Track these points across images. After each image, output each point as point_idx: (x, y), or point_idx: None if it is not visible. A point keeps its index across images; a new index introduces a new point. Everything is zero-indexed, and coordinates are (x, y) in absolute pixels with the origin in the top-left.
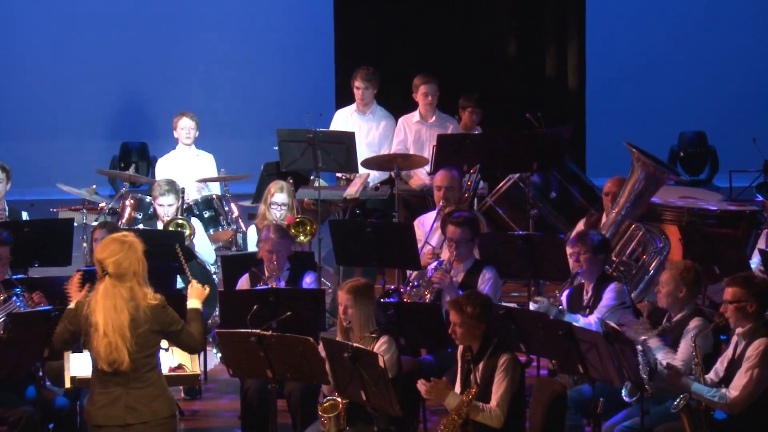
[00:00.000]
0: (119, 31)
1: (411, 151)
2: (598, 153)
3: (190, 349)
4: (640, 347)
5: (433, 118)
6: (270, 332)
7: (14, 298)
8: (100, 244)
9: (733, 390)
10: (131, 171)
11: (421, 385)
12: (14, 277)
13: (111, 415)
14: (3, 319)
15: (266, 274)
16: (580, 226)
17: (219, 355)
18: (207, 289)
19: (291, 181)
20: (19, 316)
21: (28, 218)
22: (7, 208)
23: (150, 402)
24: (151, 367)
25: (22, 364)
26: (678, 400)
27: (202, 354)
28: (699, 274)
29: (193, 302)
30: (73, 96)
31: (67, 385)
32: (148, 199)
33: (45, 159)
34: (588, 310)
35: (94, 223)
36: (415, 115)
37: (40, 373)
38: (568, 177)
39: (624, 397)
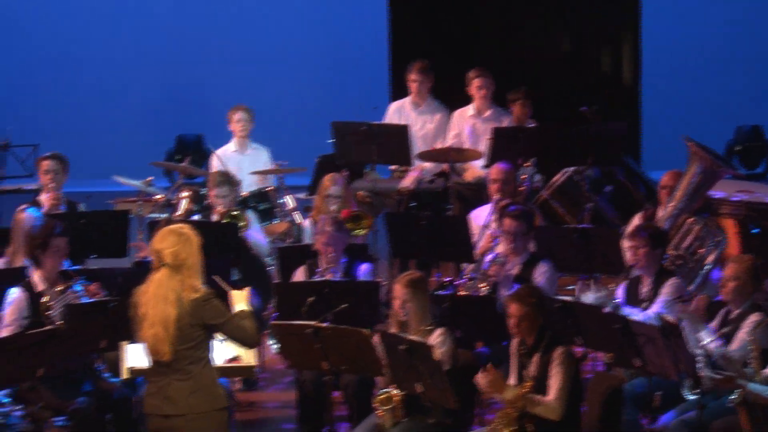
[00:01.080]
0: (175, 23)
1: (466, 145)
2: (655, 147)
3: (241, 343)
4: (695, 339)
5: (488, 111)
6: (325, 324)
7: (72, 288)
8: (158, 234)
9: None
10: (187, 163)
11: (479, 377)
12: (72, 268)
13: (153, 404)
14: (61, 310)
15: (322, 266)
16: (636, 220)
17: (275, 346)
18: (246, 289)
19: (346, 173)
20: (77, 307)
21: (84, 210)
22: (64, 200)
23: (187, 395)
24: (194, 360)
25: (80, 354)
26: (735, 395)
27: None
28: (758, 269)
29: (239, 306)
30: (130, 88)
31: (124, 375)
32: (204, 191)
33: (102, 151)
34: (645, 304)
35: (150, 215)
36: (469, 109)
37: (98, 365)
38: (623, 171)
39: (684, 395)
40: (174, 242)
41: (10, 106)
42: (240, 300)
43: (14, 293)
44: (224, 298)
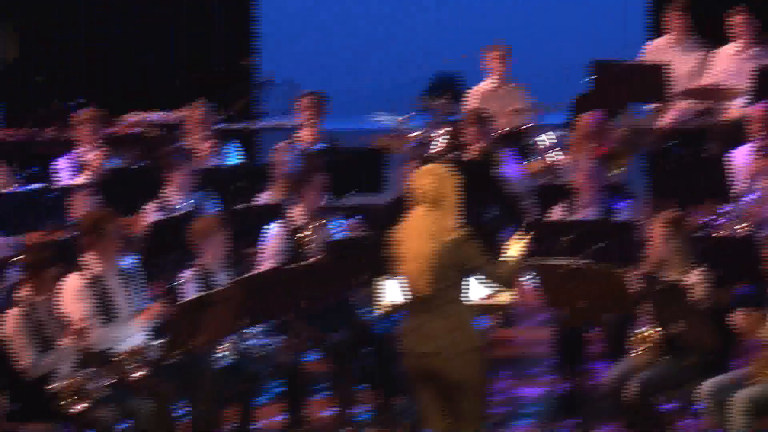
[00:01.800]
0: None
1: (726, 84)
2: None
3: (495, 284)
4: None
5: (751, 49)
6: (582, 263)
7: (331, 224)
8: (417, 172)
9: None
10: (444, 101)
11: (737, 318)
12: (332, 204)
13: (410, 341)
14: (320, 245)
15: (579, 204)
16: None
17: (532, 283)
18: (526, 237)
19: (603, 111)
20: (335, 242)
21: (343, 147)
22: (323, 137)
23: (446, 333)
24: (451, 299)
25: (338, 289)
26: None
27: None
28: None
29: (512, 251)
30: (388, 25)
31: (381, 310)
32: (460, 129)
33: (360, 88)
34: None
35: (408, 153)
36: (731, 47)
37: (356, 300)
38: None
39: None
40: (432, 180)
41: (270, 44)
42: (515, 246)
43: (274, 228)
44: (486, 239)
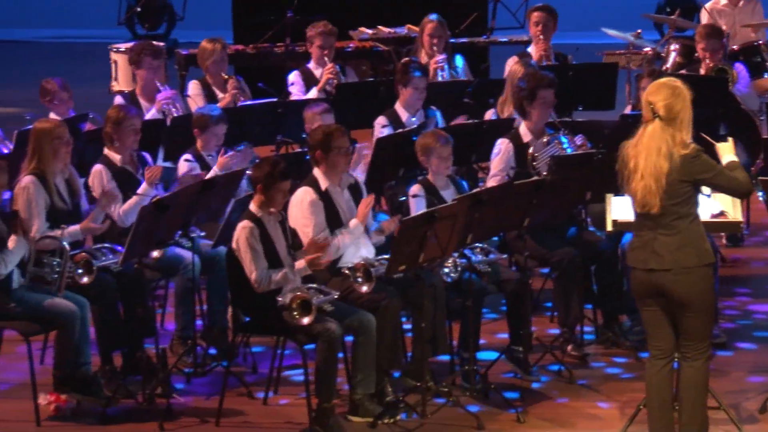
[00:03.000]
0: None
1: None
2: None
3: (733, 193)
4: None
5: None
6: None
7: (558, 139)
8: (651, 86)
9: None
10: (677, 16)
11: None
12: (558, 120)
13: (638, 258)
14: (547, 161)
15: None
16: None
17: (763, 199)
18: (730, 140)
19: None
20: (562, 158)
21: (573, 62)
22: (553, 52)
23: (674, 250)
24: (681, 215)
25: (565, 206)
26: None
27: (744, 201)
28: None
29: (727, 157)
30: None
31: (609, 228)
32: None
33: (590, 3)
34: None
35: (639, 68)
36: None
37: (583, 217)
38: None
39: None
40: (667, 95)
41: None
42: (727, 152)
43: (502, 144)
44: (709, 152)
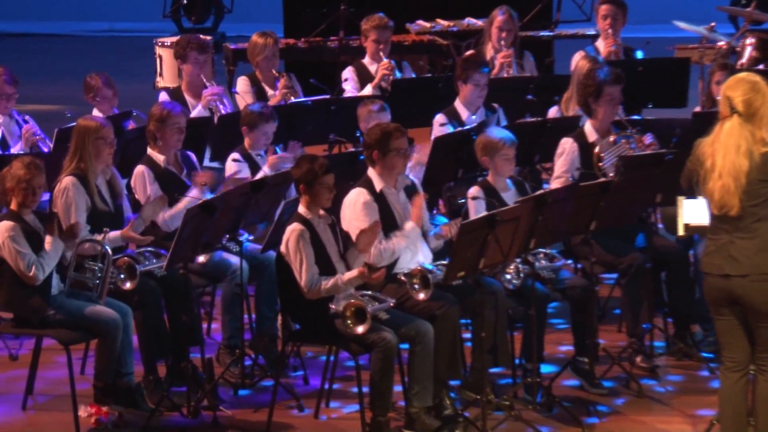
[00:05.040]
0: None
1: None
2: None
3: None
4: None
5: None
6: None
7: (625, 139)
8: (730, 80)
9: None
10: (753, 8)
11: None
12: (626, 118)
13: (713, 263)
14: (614, 161)
15: None
16: None
17: None
18: None
19: None
20: (630, 158)
21: (642, 57)
22: (622, 46)
23: (752, 255)
24: (761, 218)
25: (636, 209)
26: None
27: None
28: None
29: None
30: None
31: (680, 232)
32: None
33: None
34: None
35: (713, 63)
36: None
37: (654, 220)
38: None
39: None
40: (746, 90)
41: None
42: None
43: (566, 143)
44: None
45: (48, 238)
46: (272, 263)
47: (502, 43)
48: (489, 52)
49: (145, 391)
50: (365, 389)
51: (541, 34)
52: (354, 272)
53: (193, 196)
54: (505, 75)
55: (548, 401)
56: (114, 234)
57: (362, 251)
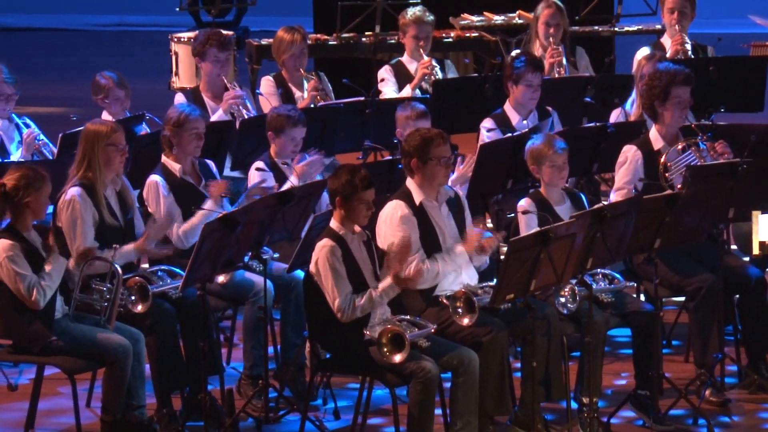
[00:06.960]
0: None
1: None
2: None
3: None
4: None
5: None
6: None
7: (697, 146)
8: None
9: None
10: None
11: None
12: (696, 123)
13: None
14: (682, 171)
15: None
16: None
17: None
18: None
19: None
20: (700, 168)
21: (714, 55)
22: (691, 43)
23: None
24: None
25: (706, 225)
26: None
27: None
28: None
29: None
30: None
31: (755, 251)
32: None
33: None
34: None
35: None
36: None
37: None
38: None
39: None
40: None
41: None
42: None
43: (629, 151)
44: None
45: (48, 258)
46: (300, 284)
47: (551, 39)
48: (537, 50)
49: (159, 426)
50: (402, 426)
51: (601, 29)
52: (387, 280)
53: (209, 208)
54: (556, 75)
55: None
56: (127, 248)
57: (388, 268)
